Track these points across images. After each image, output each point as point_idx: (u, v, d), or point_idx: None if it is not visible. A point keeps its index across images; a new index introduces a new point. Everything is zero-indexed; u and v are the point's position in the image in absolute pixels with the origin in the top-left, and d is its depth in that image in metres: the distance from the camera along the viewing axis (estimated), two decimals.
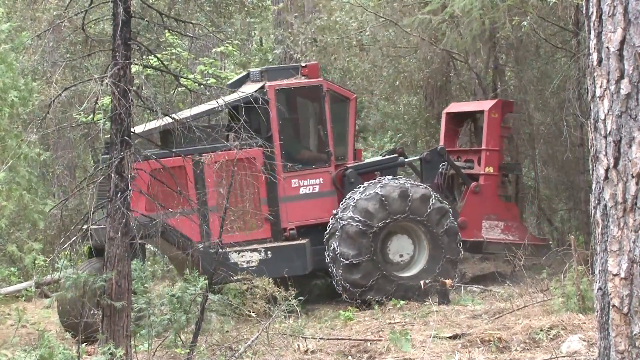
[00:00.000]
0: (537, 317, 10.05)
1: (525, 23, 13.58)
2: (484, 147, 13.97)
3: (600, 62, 3.56)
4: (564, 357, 8.58)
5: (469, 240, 13.65)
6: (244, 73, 14.29)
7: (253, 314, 10.90)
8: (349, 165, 13.29)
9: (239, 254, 12.24)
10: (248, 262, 11.99)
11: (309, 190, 13.05)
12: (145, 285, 10.03)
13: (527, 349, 9.09)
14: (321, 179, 13.12)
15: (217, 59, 17.75)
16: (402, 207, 12.55)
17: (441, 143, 14.67)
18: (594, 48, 3.59)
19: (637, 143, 3.42)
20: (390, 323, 11.14)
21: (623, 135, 3.47)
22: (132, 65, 8.40)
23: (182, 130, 10.01)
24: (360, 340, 10.16)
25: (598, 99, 3.58)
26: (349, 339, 10.25)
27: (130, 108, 8.17)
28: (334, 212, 12.76)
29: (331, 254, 12.55)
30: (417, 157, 14.27)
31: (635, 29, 3.41)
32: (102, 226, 8.79)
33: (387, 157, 14.50)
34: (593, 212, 3.68)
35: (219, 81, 15.34)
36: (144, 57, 9.76)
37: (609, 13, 3.49)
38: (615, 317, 3.51)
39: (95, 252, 10.58)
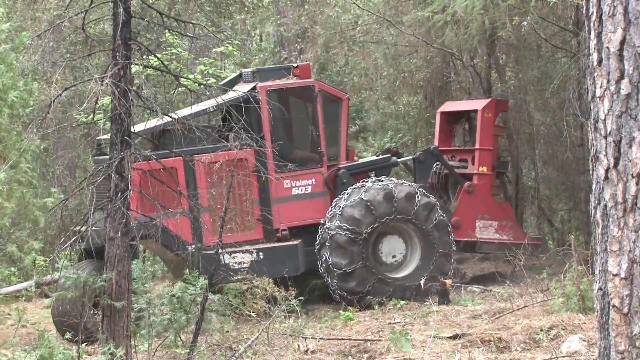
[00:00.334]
0: (537, 317, 10.05)
1: (525, 23, 13.58)
2: (477, 146, 13.95)
3: (600, 62, 3.56)
4: (564, 357, 8.58)
5: (463, 240, 13.63)
6: (237, 73, 14.27)
7: (253, 314, 10.90)
8: (341, 166, 13.25)
9: (230, 255, 12.22)
10: (240, 263, 11.97)
11: (301, 190, 13.02)
12: (145, 285, 10.04)
13: (527, 349, 9.09)
14: (313, 180, 13.09)
15: (217, 59, 17.75)
16: (388, 209, 12.52)
17: (435, 142, 14.66)
18: (594, 48, 3.59)
19: (637, 143, 3.42)
20: (390, 323, 11.14)
21: (623, 135, 3.47)
22: (132, 65, 8.41)
23: (173, 131, 10.05)
24: (361, 340, 10.16)
25: (598, 99, 3.58)
26: (349, 339, 10.25)
27: (131, 108, 8.17)
28: (322, 221, 12.72)
29: (324, 265, 12.55)
30: (410, 157, 14.24)
31: (636, 29, 3.41)
32: (96, 228, 8.74)
33: (379, 157, 14.49)
34: (593, 212, 3.68)
35: (219, 81, 15.32)
36: (144, 57, 9.76)
37: (609, 13, 3.49)
38: (616, 317, 3.51)
39: (86, 254, 10.49)
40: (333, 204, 12.73)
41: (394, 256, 12.87)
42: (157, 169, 9.48)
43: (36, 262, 14.67)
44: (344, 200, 12.59)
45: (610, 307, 3.54)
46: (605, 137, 3.54)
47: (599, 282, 3.62)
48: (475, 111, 14.13)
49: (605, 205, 3.56)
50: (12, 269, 15.76)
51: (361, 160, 14.40)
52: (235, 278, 11.67)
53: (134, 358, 8.80)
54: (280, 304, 10.92)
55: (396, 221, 12.63)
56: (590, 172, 3.70)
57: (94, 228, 8.58)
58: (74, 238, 8.58)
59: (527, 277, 12.38)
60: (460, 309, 11.61)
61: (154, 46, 16.63)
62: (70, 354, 8.07)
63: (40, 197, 14.25)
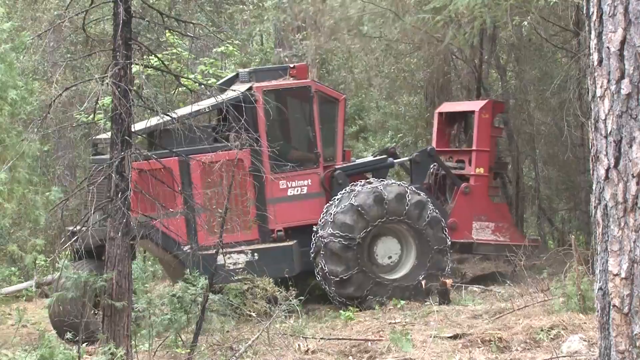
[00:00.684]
0: (538, 317, 10.04)
1: (526, 23, 13.57)
2: (474, 147, 13.91)
3: (600, 62, 3.56)
4: (565, 357, 8.58)
5: (459, 241, 13.59)
6: (233, 73, 14.26)
7: (254, 314, 10.90)
8: (337, 167, 13.23)
9: (225, 255, 12.21)
10: (235, 264, 11.94)
11: (297, 191, 13.00)
12: (146, 285, 10.04)
13: (528, 349, 9.09)
14: (309, 180, 13.06)
15: (218, 59, 17.73)
16: (379, 211, 12.48)
17: (433, 143, 14.63)
18: (595, 48, 3.59)
19: (638, 143, 3.42)
20: (390, 323, 11.13)
21: (623, 135, 3.47)
22: (132, 65, 8.41)
23: (168, 131, 10.05)
24: (361, 340, 10.16)
25: (598, 98, 3.58)
26: (350, 339, 10.25)
27: (131, 108, 8.17)
28: (314, 229, 12.72)
29: (320, 273, 12.54)
30: (407, 158, 14.16)
31: (636, 28, 3.41)
32: (90, 228, 8.70)
33: (376, 158, 14.48)
34: (594, 212, 3.68)
35: (217, 81, 15.32)
36: (145, 57, 9.76)
37: (609, 13, 3.49)
38: (616, 317, 3.51)
39: (86, 254, 10.44)
40: (324, 211, 12.69)
41: (389, 257, 12.85)
42: (152, 169, 9.47)
43: (37, 261, 14.68)
44: (335, 206, 12.57)
45: (611, 307, 3.54)
46: (606, 137, 3.54)
47: (600, 282, 3.62)
48: (473, 112, 14.11)
49: (606, 205, 3.56)
50: (13, 268, 15.77)
51: (358, 161, 14.35)
52: (235, 278, 11.68)
53: (135, 358, 8.80)
54: (280, 304, 10.91)
55: (389, 223, 12.60)
56: (591, 171, 3.70)
57: (89, 228, 8.55)
58: (74, 238, 8.59)
59: (528, 277, 12.37)
60: (460, 309, 11.61)
61: (154, 46, 16.64)
62: (70, 354, 8.08)
63: (42, 194, 14.27)
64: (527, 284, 12.17)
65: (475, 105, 14.31)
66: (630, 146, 3.44)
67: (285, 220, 12.80)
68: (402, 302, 12.31)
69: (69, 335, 9.86)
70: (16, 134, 12.73)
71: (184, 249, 12.04)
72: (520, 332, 9.49)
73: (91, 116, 11.96)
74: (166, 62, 13.65)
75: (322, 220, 12.61)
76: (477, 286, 13.37)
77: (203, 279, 9.60)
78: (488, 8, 13.25)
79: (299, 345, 9.86)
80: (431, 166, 14.12)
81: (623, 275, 3.49)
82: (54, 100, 8.93)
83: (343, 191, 12.72)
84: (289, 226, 12.89)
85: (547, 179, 18.35)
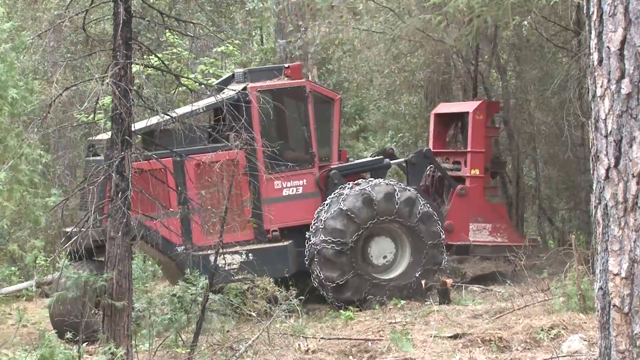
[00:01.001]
0: (538, 317, 10.04)
1: (526, 23, 13.56)
2: (469, 149, 13.85)
3: (601, 61, 3.55)
4: (565, 356, 8.58)
5: (455, 243, 13.55)
6: (229, 74, 14.26)
7: (254, 314, 10.90)
8: (333, 167, 13.22)
9: (220, 256, 12.20)
10: (229, 264, 11.93)
11: (292, 191, 12.97)
12: (146, 284, 10.04)
13: (528, 349, 9.09)
14: (305, 180, 13.04)
15: (218, 59, 17.73)
16: (369, 213, 12.46)
17: (430, 144, 14.61)
18: (595, 48, 3.59)
19: (638, 143, 3.42)
20: (391, 323, 11.14)
21: (624, 134, 3.47)
22: (132, 65, 8.41)
23: (162, 131, 10.04)
24: (361, 339, 10.16)
25: (599, 98, 3.58)
26: (350, 339, 10.25)
27: (131, 108, 8.17)
28: (307, 235, 12.71)
29: (317, 280, 12.53)
30: (403, 160, 14.07)
31: (636, 28, 3.41)
32: (84, 229, 8.68)
33: (372, 158, 14.47)
34: (594, 211, 3.68)
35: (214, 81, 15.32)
36: (145, 56, 9.75)
37: (609, 13, 3.49)
38: (616, 317, 3.51)
39: (85, 254, 10.40)
40: (315, 216, 12.68)
41: (384, 257, 12.84)
42: (147, 169, 9.46)
43: (37, 261, 14.68)
44: (324, 212, 12.57)
45: (611, 307, 3.54)
46: (606, 137, 3.54)
47: (600, 282, 3.62)
48: (467, 113, 14.05)
49: (606, 205, 3.56)
50: (13, 268, 15.76)
51: (354, 161, 14.32)
52: (232, 279, 11.68)
53: (135, 358, 8.80)
54: (280, 304, 10.92)
55: (380, 223, 12.57)
56: (591, 171, 3.70)
57: (88, 228, 8.53)
58: (73, 239, 8.59)
59: (528, 277, 12.37)
60: (460, 309, 11.61)
61: (154, 46, 16.64)
62: (70, 354, 8.08)
63: (41, 197, 14.27)
64: (527, 284, 12.17)
65: (469, 106, 14.24)
66: (631, 146, 3.44)
67: (281, 220, 12.78)
68: (402, 301, 12.31)
69: (69, 335, 9.86)
70: (16, 134, 12.72)
71: (179, 250, 12.07)
72: (521, 332, 9.49)
73: (91, 116, 11.95)
74: (166, 62, 13.65)
75: (313, 227, 12.61)
76: (477, 286, 13.37)
77: (203, 279, 9.60)
78: (489, 8, 13.23)
79: (299, 345, 9.87)
80: (428, 168, 14.09)
81: (623, 274, 3.49)
82: (54, 100, 8.93)
83: (332, 195, 12.71)
84: (285, 226, 12.87)
85: (547, 178, 18.35)
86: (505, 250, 13.20)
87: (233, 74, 13.71)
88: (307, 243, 12.68)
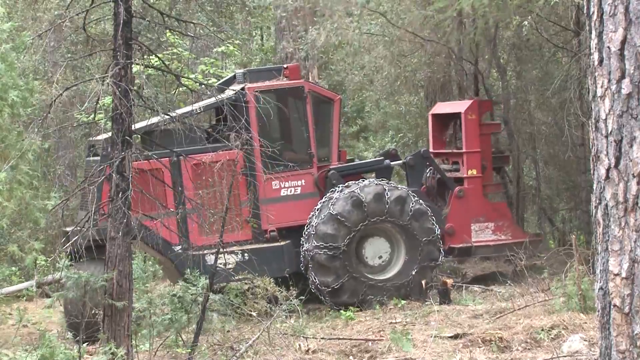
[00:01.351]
0: (538, 317, 10.05)
1: (526, 23, 13.56)
2: (464, 149, 13.79)
3: (601, 61, 3.55)
4: (565, 356, 8.58)
5: (457, 246, 13.51)
6: (231, 74, 14.29)
7: (254, 314, 10.90)
8: (332, 167, 13.21)
9: (217, 256, 12.20)
10: (225, 264, 11.93)
11: (291, 191, 12.97)
12: (147, 285, 10.04)
13: (528, 349, 9.09)
14: (303, 181, 13.03)
15: (218, 59, 17.72)
16: (360, 215, 12.44)
17: (430, 145, 14.58)
18: (595, 48, 3.59)
19: (638, 143, 3.42)
20: (391, 323, 11.14)
21: (624, 134, 3.47)
22: (133, 65, 8.41)
23: (162, 131, 10.05)
24: (362, 340, 10.16)
25: (599, 98, 3.58)
26: (350, 339, 10.25)
27: (132, 108, 8.17)
28: (301, 240, 12.71)
29: (313, 285, 12.53)
30: (401, 162, 13.95)
31: (636, 28, 3.41)
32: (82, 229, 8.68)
33: (372, 159, 14.44)
34: (594, 211, 3.68)
35: (216, 82, 15.32)
36: (145, 56, 9.75)
37: (610, 13, 3.49)
38: (617, 317, 3.51)
39: (75, 256, 10.37)
40: (307, 222, 12.68)
41: (380, 257, 12.81)
42: (143, 169, 9.46)
43: (37, 261, 14.67)
44: (315, 217, 12.56)
45: (612, 307, 3.54)
46: (606, 137, 3.54)
47: (600, 282, 3.62)
48: (460, 114, 13.98)
49: (606, 205, 3.56)
50: (13, 268, 15.76)
51: (353, 162, 14.30)
52: (228, 278, 11.70)
53: (135, 358, 8.80)
54: (281, 304, 10.92)
55: (372, 224, 12.55)
56: (591, 171, 3.70)
57: (89, 228, 8.53)
58: (75, 238, 8.59)
59: (528, 277, 12.36)
60: (461, 309, 11.61)
61: (155, 46, 16.62)
62: (71, 354, 8.08)
63: (41, 199, 14.26)
64: (527, 284, 12.17)
65: (461, 106, 14.15)
66: (631, 146, 3.44)
67: (279, 220, 12.78)
68: (403, 301, 12.31)
69: (69, 335, 9.86)
70: (17, 134, 12.72)
71: (176, 250, 12.10)
72: (521, 332, 9.49)
73: (92, 116, 11.96)
74: (167, 62, 13.65)
75: (306, 233, 12.61)
76: (477, 286, 13.36)
77: (203, 279, 9.60)
78: (490, 9, 13.23)
79: (299, 345, 9.87)
80: (428, 170, 14.08)
81: (624, 275, 3.49)
82: (55, 100, 8.93)
83: (323, 199, 12.71)
84: (283, 226, 12.87)
85: (547, 178, 18.34)
86: (509, 247, 13.16)
87: (235, 75, 13.73)
88: (301, 249, 12.70)
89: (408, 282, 12.57)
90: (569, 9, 13.83)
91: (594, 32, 3.59)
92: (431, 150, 14.41)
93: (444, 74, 17.66)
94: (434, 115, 14.57)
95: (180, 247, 12.20)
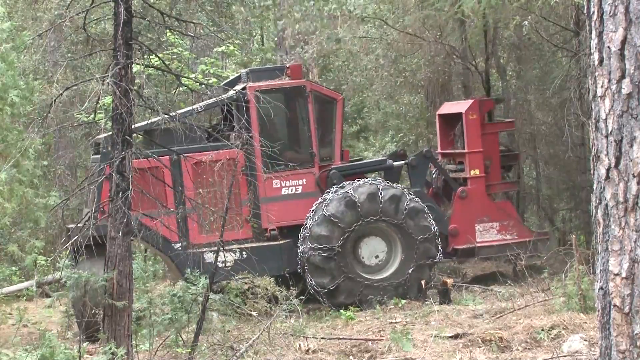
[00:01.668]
0: (539, 317, 10.04)
1: (526, 23, 13.56)
2: (466, 150, 13.76)
3: (601, 61, 3.55)
4: (565, 356, 8.58)
5: (460, 247, 13.47)
6: (237, 74, 14.31)
7: (254, 314, 10.90)
8: (333, 167, 13.20)
9: (214, 254, 12.22)
10: (223, 262, 11.95)
11: (291, 191, 12.97)
12: (147, 284, 10.04)
13: (529, 349, 9.09)
14: (304, 180, 13.03)
15: (219, 59, 17.73)
16: (353, 216, 12.45)
17: (438, 145, 14.55)
18: (595, 48, 3.58)
19: (638, 143, 3.41)
20: (391, 322, 11.14)
21: (624, 134, 3.47)
22: (133, 65, 8.40)
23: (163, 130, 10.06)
24: (362, 339, 10.16)
25: (599, 98, 3.58)
26: (350, 339, 10.25)
27: (132, 108, 8.17)
28: (298, 244, 12.72)
29: (310, 287, 12.53)
30: (403, 162, 13.87)
31: (637, 28, 3.40)
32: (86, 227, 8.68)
33: (375, 159, 14.44)
34: (594, 211, 3.68)
35: (220, 81, 15.33)
36: (145, 56, 9.76)
37: (610, 13, 3.49)
38: (617, 317, 3.51)
39: (75, 255, 10.36)
40: (304, 224, 12.68)
41: (376, 257, 12.81)
42: (144, 167, 9.46)
43: (37, 261, 14.67)
44: (310, 219, 12.56)
45: (612, 307, 3.54)
46: (607, 137, 3.54)
47: (600, 282, 3.62)
48: (461, 114, 13.94)
49: (607, 205, 3.56)
50: (13, 268, 15.76)
51: (356, 162, 14.29)
52: (233, 277, 11.71)
53: (135, 358, 8.80)
54: (281, 304, 10.92)
55: (366, 224, 12.56)
56: (592, 171, 3.70)
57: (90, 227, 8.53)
58: (75, 238, 8.58)
59: (529, 277, 12.36)
60: (461, 309, 11.61)
61: (155, 46, 16.62)
62: (71, 354, 8.08)
63: (42, 197, 14.27)
64: (527, 284, 12.17)
65: (461, 106, 14.11)
66: (631, 146, 3.44)
67: (280, 219, 12.79)
68: (403, 301, 12.31)
69: (69, 334, 9.86)
70: (17, 133, 12.72)
71: (176, 248, 12.12)
72: (521, 332, 9.49)
73: (92, 116, 11.97)
74: (167, 62, 13.66)
75: (301, 235, 12.61)
76: (477, 286, 13.36)
77: (204, 279, 9.60)
78: (490, 10, 13.24)
79: (299, 344, 9.87)
80: (435, 170, 14.07)
81: (624, 274, 3.48)
82: (55, 100, 8.93)
83: (318, 200, 12.71)
84: (283, 225, 12.87)
85: (547, 178, 18.35)
86: (512, 247, 13.12)
87: (240, 75, 13.76)
88: (298, 251, 12.71)
89: (405, 281, 12.57)
90: (569, 9, 13.83)
91: (594, 32, 3.59)
92: (439, 150, 14.39)
93: (444, 74, 17.68)
94: (441, 116, 14.51)
95: (180, 245, 12.22)
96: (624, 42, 3.45)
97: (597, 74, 3.58)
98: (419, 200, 12.77)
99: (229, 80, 14.17)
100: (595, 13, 3.56)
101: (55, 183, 18.83)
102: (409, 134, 19.38)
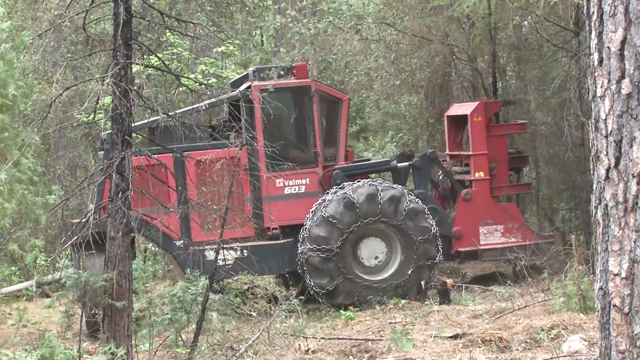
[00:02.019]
0: (538, 317, 10.05)
1: (526, 23, 13.55)
2: (471, 152, 13.72)
3: (601, 62, 3.55)
4: (565, 356, 8.59)
5: (463, 250, 13.47)
6: (244, 73, 14.33)
7: (254, 314, 10.91)
8: (337, 167, 13.20)
9: (214, 252, 12.22)
10: (224, 260, 11.95)
11: (295, 190, 12.97)
12: (146, 284, 10.04)
13: (528, 349, 9.09)
14: (307, 179, 13.03)
15: (218, 59, 17.72)
16: (352, 217, 12.45)
17: (446, 147, 14.52)
18: (595, 48, 3.58)
19: (638, 143, 3.41)
20: (391, 323, 11.14)
21: (624, 135, 3.47)
22: (133, 65, 8.41)
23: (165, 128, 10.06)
24: (361, 340, 10.16)
25: (599, 98, 3.58)
26: (350, 339, 10.25)
27: (131, 108, 8.17)
28: (297, 245, 12.72)
29: (309, 287, 12.53)
30: (407, 163, 13.82)
31: (636, 28, 3.40)
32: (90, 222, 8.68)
33: (379, 160, 14.45)
34: (594, 211, 3.68)
35: (220, 81, 15.33)
36: (145, 56, 9.76)
37: (610, 13, 3.49)
38: (616, 317, 3.51)
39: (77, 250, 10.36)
40: (304, 225, 12.68)
41: (376, 257, 12.80)
42: (147, 165, 9.46)
43: (37, 260, 14.68)
44: (310, 219, 12.57)
45: (611, 307, 3.54)
46: (606, 137, 3.54)
47: (600, 282, 3.62)
48: (467, 116, 13.91)
49: (606, 205, 3.56)
50: (13, 268, 15.76)
51: (360, 162, 14.28)
52: (232, 276, 11.72)
53: (135, 358, 8.80)
54: (281, 304, 10.92)
55: (365, 225, 12.56)
56: (591, 171, 3.70)
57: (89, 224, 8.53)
58: (75, 238, 8.58)
59: (528, 277, 12.36)
60: (461, 309, 11.61)
61: (154, 46, 16.60)
62: (71, 354, 8.08)
63: (42, 196, 14.26)
64: (527, 284, 12.17)
65: (467, 108, 14.05)
66: (631, 146, 3.44)
67: (283, 218, 12.79)
68: (403, 301, 12.30)
69: (69, 334, 9.86)
70: (14, 129, 12.71)
71: (177, 245, 12.13)
72: (521, 332, 9.49)
73: (91, 116, 11.97)
74: (166, 62, 13.66)
75: (301, 236, 12.61)
76: (477, 286, 13.35)
77: (203, 279, 9.60)
78: (490, 11, 13.24)
79: (299, 345, 9.87)
80: (440, 172, 14.06)
81: (623, 275, 3.48)
82: (55, 100, 8.94)
83: (317, 202, 12.70)
84: (286, 224, 12.87)
85: (547, 178, 18.34)
86: (516, 250, 13.08)
87: (247, 74, 13.77)
88: (297, 253, 12.71)
89: (404, 282, 12.56)
90: (569, 9, 13.82)
91: (593, 32, 3.59)
92: (447, 152, 14.37)
93: (443, 75, 17.67)
94: (449, 117, 14.45)
95: (181, 242, 12.22)
96: (623, 42, 3.45)
97: (596, 74, 3.58)
98: (419, 201, 12.76)
99: (235, 79, 14.17)
100: (595, 13, 3.56)
101: (55, 183, 18.83)
102: (409, 134, 19.38)
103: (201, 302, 9.39)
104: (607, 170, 3.54)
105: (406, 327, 10.65)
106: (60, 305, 11.72)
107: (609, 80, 3.51)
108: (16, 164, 12.10)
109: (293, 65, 13.50)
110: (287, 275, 12.74)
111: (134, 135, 8.65)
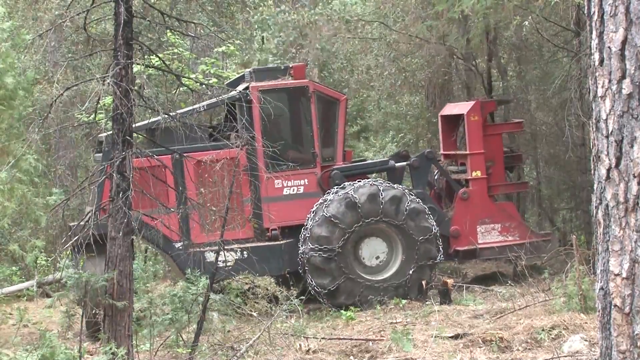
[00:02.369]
0: (539, 317, 10.04)
1: (526, 23, 13.55)
2: (468, 151, 13.73)
3: (601, 62, 3.55)
4: (566, 357, 8.59)
5: (461, 249, 13.46)
6: (241, 74, 14.32)
7: (255, 314, 10.90)
8: (335, 167, 13.21)
9: (215, 253, 12.22)
10: (224, 261, 11.94)
11: (293, 191, 12.96)
12: (147, 284, 10.04)
13: (529, 349, 9.09)
14: (306, 180, 13.02)
15: (219, 59, 17.73)
16: (354, 217, 12.45)
17: (440, 146, 14.54)
18: (596, 48, 3.58)
19: (639, 143, 3.42)
20: (391, 323, 11.14)
21: (625, 135, 3.47)
22: (133, 65, 8.41)
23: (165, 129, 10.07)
24: (362, 340, 10.16)
25: (600, 98, 3.58)
26: (351, 339, 10.25)
27: (132, 108, 8.18)
28: (298, 245, 12.73)
29: (310, 288, 12.53)
30: (405, 163, 13.81)
31: (637, 28, 3.40)
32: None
33: (377, 160, 14.45)
34: (595, 211, 3.68)
35: (221, 81, 15.33)
36: (146, 56, 9.76)
37: (610, 13, 3.49)
38: (617, 317, 3.51)
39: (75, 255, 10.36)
40: (305, 225, 12.68)
41: (377, 257, 12.80)
42: (146, 166, 9.46)
43: (38, 260, 14.68)
44: (311, 219, 12.57)
45: (612, 307, 3.54)
46: (607, 137, 3.54)
47: (601, 282, 3.62)
48: (463, 115, 13.90)
49: (607, 205, 3.56)
50: (14, 268, 15.76)
51: (358, 163, 14.28)
52: (233, 276, 11.72)
53: (136, 358, 8.80)
54: (281, 304, 10.92)
55: (367, 225, 12.55)
56: (592, 171, 3.70)
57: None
58: (75, 238, 8.58)
59: (529, 277, 12.36)
60: (461, 309, 11.61)
61: (155, 46, 16.62)
62: (71, 354, 8.08)
63: (42, 197, 14.26)
64: (528, 284, 12.17)
65: (463, 108, 14.06)
66: (632, 146, 3.44)
67: (281, 219, 12.79)
68: (404, 301, 12.30)
69: (69, 334, 9.86)
70: (19, 133, 12.72)
71: (177, 247, 12.13)
72: (522, 332, 9.49)
73: (92, 116, 11.98)
74: (167, 62, 13.66)
75: (302, 236, 12.62)
76: (478, 286, 13.35)
77: (204, 279, 9.60)
78: (490, 10, 13.23)
79: (300, 345, 9.87)
80: (436, 171, 14.06)
81: (624, 275, 3.49)
82: (55, 100, 8.94)
83: (319, 201, 12.71)
84: (285, 225, 12.87)
85: (548, 178, 18.35)
86: (514, 249, 13.10)
87: (243, 74, 13.77)
88: (299, 252, 12.71)
89: (405, 282, 12.57)
90: (569, 9, 13.82)
91: (594, 32, 3.59)
92: (442, 151, 14.37)
93: (444, 75, 17.68)
94: (443, 117, 14.47)
95: (180, 244, 12.23)
96: (624, 42, 3.45)
97: (597, 74, 3.58)
98: (420, 201, 12.77)
99: (232, 80, 14.17)
100: (596, 13, 3.56)
101: (56, 183, 18.83)
102: (410, 134, 19.38)
103: (202, 302, 9.39)
104: (608, 170, 3.54)
105: (407, 327, 10.65)
106: (61, 305, 11.72)
107: (610, 80, 3.51)
108: (17, 162, 12.11)
109: (290, 65, 13.50)
110: (288, 275, 12.73)
111: (134, 135, 8.66)
